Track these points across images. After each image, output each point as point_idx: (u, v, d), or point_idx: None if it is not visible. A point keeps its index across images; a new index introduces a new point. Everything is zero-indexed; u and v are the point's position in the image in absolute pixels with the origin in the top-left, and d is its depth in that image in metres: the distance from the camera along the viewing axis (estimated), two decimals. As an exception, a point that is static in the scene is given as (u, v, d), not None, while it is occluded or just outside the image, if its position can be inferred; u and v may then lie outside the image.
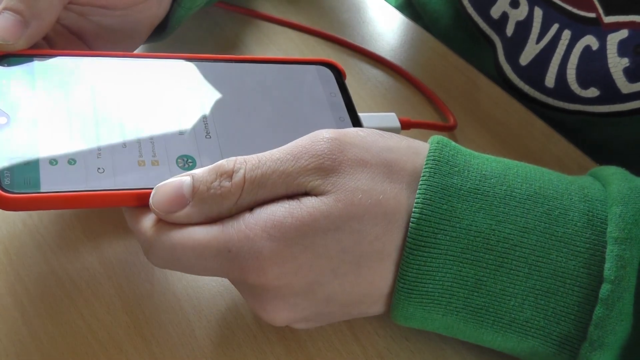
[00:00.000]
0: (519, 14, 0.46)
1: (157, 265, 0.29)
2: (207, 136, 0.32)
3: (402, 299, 0.28)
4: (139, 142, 0.31)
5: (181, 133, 0.32)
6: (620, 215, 0.27)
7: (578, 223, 0.28)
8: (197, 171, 0.28)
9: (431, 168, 0.28)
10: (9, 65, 0.32)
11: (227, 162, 0.28)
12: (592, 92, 0.43)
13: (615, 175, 0.29)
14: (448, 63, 0.49)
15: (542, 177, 0.29)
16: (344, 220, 0.27)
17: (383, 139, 0.29)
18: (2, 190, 0.27)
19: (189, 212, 0.27)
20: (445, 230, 0.27)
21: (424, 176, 0.28)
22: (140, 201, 0.29)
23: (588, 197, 0.29)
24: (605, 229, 0.28)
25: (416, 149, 0.29)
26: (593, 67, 0.42)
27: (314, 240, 0.27)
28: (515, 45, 0.46)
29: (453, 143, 0.30)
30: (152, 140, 0.31)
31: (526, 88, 0.47)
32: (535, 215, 0.28)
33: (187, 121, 0.32)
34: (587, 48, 0.42)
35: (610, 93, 0.42)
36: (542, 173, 0.30)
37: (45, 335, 0.32)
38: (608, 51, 0.41)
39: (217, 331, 0.32)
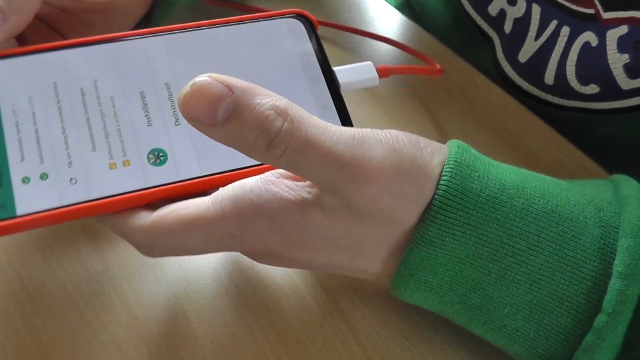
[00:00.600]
0: (516, 11, 0.45)
1: (158, 256, 0.29)
2: (177, 123, 0.31)
3: (401, 282, 0.28)
4: (108, 142, 0.30)
5: (149, 124, 0.30)
6: (627, 249, 0.27)
7: (588, 250, 0.27)
8: (241, 95, 0.25)
9: (452, 170, 0.27)
10: None
11: (274, 117, 0.25)
12: (592, 88, 0.43)
13: (630, 199, 0.29)
14: (447, 63, 0.49)
15: (559, 193, 0.29)
16: (346, 237, 0.28)
17: (420, 157, 0.28)
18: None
19: (215, 134, 0.26)
20: (455, 235, 0.27)
21: (444, 176, 0.27)
22: (118, 207, 0.28)
23: (603, 222, 0.28)
24: (614, 260, 0.27)
25: (439, 166, 0.28)
26: (592, 64, 0.42)
27: (314, 242, 0.28)
28: (514, 42, 0.46)
29: (472, 149, 0.29)
30: (121, 137, 0.30)
31: (525, 85, 0.46)
32: (548, 235, 0.27)
33: (154, 108, 0.31)
34: (587, 44, 0.42)
35: (610, 89, 0.42)
36: (560, 189, 0.29)
37: (45, 335, 0.32)
38: (608, 47, 0.41)
39: (217, 331, 0.32)
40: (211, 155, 0.30)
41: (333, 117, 0.32)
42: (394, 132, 0.28)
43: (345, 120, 0.32)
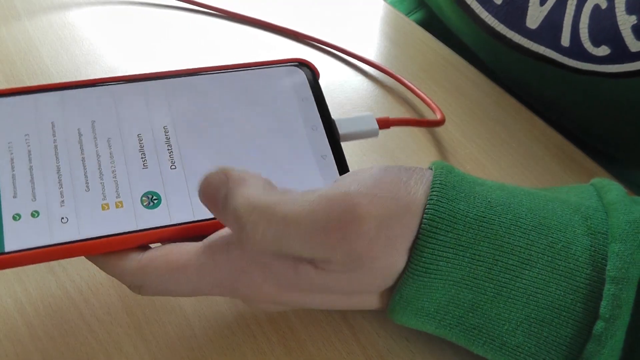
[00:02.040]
0: None
1: (148, 295, 0.29)
2: (172, 167, 0.31)
3: (397, 310, 0.28)
4: (102, 183, 0.30)
5: (145, 166, 0.31)
6: (617, 254, 0.27)
7: (580, 258, 0.27)
8: (231, 184, 0.27)
9: (438, 192, 0.27)
10: None
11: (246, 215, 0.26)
12: (603, 50, 0.42)
13: (616, 205, 0.29)
14: (447, 63, 0.49)
15: (545, 205, 0.29)
16: (342, 287, 0.28)
17: (404, 193, 0.28)
18: None
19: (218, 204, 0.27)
20: (448, 258, 0.27)
21: (430, 201, 0.27)
22: (108, 248, 0.28)
23: (591, 230, 0.28)
24: (606, 265, 0.27)
25: (424, 193, 0.28)
26: (603, 26, 0.41)
27: (306, 294, 0.28)
28: (513, 11, 0.45)
29: (456, 169, 0.29)
30: (115, 178, 0.30)
31: (542, 49, 0.45)
32: (539, 248, 0.27)
33: (150, 151, 0.31)
34: (597, 7, 0.41)
35: (620, 51, 0.41)
36: (546, 201, 0.29)
37: (45, 335, 0.31)
38: (617, 9, 0.40)
39: (217, 331, 0.32)
40: None
41: (331, 167, 0.32)
42: (375, 175, 0.28)
43: (344, 170, 0.33)
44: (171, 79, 0.33)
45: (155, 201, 0.30)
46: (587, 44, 0.43)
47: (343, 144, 0.34)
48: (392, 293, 0.28)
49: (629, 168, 0.48)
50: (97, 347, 0.31)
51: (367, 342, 0.32)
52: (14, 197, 0.28)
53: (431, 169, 0.29)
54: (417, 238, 0.27)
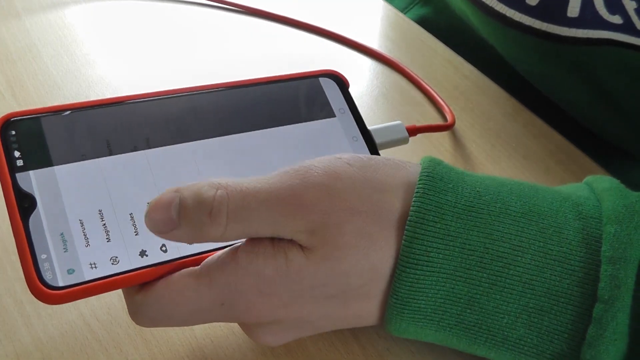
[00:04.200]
0: None
1: (147, 326, 0.29)
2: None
3: (394, 315, 0.28)
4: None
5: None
6: (614, 235, 0.27)
7: (573, 242, 0.27)
8: (185, 191, 0.27)
9: (425, 185, 0.28)
10: (19, 130, 0.29)
11: (207, 189, 0.27)
12: (618, 19, 0.41)
13: (610, 191, 0.29)
14: (448, 63, 0.49)
15: (536, 194, 0.29)
16: (331, 277, 0.27)
17: (374, 174, 0.28)
18: (47, 287, 0.26)
19: (179, 235, 0.27)
20: (439, 249, 0.27)
21: (417, 193, 0.27)
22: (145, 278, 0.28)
23: (582, 215, 0.28)
24: (600, 247, 0.27)
25: (409, 180, 0.28)
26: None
27: (302, 293, 0.28)
28: None
29: (444, 162, 0.29)
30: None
31: (544, 26, 0.44)
32: (530, 234, 0.27)
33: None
34: None
35: (630, 24, 0.41)
36: (536, 190, 0.29)
37: (45, 335, 0.32)
38: None
39: (217, 331, 0.32)
40: None
41: None
42: (336, 155, 0.28)
43: None
44: (208, 93, 0.33)
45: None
46: (603, 11, 0.41)
47: None
48: (387, 299, 0.28)
49: (625, 168, 0.48)
50: (97, 347, 0.31)
51: (367, 342, 0.32)
52: (82, 222, 0.28)
53: (420, 164, 0.29)
54: (403, 236, 0.27)
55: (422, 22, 0.53)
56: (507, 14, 0.45)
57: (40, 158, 0.29)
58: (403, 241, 0.27)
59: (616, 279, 0.26)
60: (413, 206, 0.27)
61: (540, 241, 0.27)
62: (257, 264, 0.27)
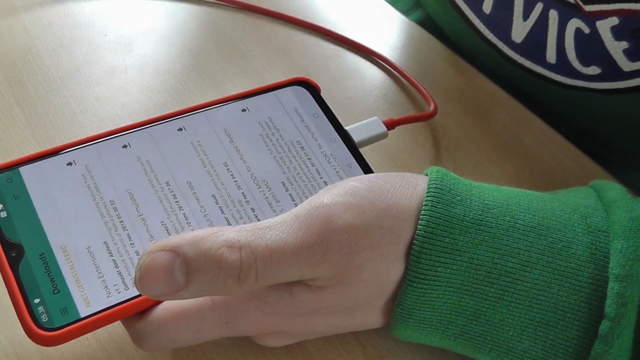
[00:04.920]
0: None
1: (152, 350, 0.28)
2: (181, 210, 0.31)
3: (399, 323, 0.28)
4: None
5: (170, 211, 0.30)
6: (621, 251, 0.27)
7: (581, 257, 0.27)
8: (190, 252, 0.24)
9: (433, 197, 0.27)
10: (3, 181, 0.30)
11: (228, 252, 0.24)
12: (594, 70, 0.42)
13: (617, 202, 0.29)
14: (447, 63, 0.49)
15: (544, 206, 0.29)
16: (339, 302, 0.27)
17: (392, 200, 0.27)
18: (43, 329, 0.26)
19: (188, 295, 0.25)
20: (446, 264, 0.27)
21: (425, 206, 0.27)
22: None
23: (591, 229, 0.28)
24: (608, 263, 0.27)
25: (417, 196, 0.28)
26: (591, 49, 0.41)
27: (307, 313, 0.28)
28: (499, 22, 0.45)
29: (452, 173, 0.29)
30: (152, 239, 0.30)
31: (527, 63, 0.45)
32: (539, 249, 0.27)
33: (166, 199, 0.31)
34: (579, 31, 0.41)
35: (612, 71, 0.41)
36: (544, 202, 0.29)
37: (45, 335, 0.31)
38: (602, 36, 0.40)
39: (217, 331, 0.32)
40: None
41: (359, 174, 0.33)
42: (348, 186, 0.27)
43: (369, 172, 0.33)
44: (180, 119, 0.33)
45: None
46: (576, 63, 0.42)
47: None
48: (393, 306, 0.28)
49: (624, 170, 0.48)
50: (97, 347, 0.31)
51: (367, 342, 0.32)
52: (70, 261, 0.28)
53: (426, 174, 0.29)
54: (412, 244, 0.27)
55: (424, 24, 0.53)
56: (498, 45, 0.46)
57: (23, 205, 0.29)
58: (411, 256, 0.27)
59: (623, 296, 0.26)
60: (421, 220, 0.27)
61: (549, 256, 0.27)
62: (259, 291, 0.27)
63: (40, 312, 0.27)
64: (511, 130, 0.44)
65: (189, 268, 0.24)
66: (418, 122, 0.42)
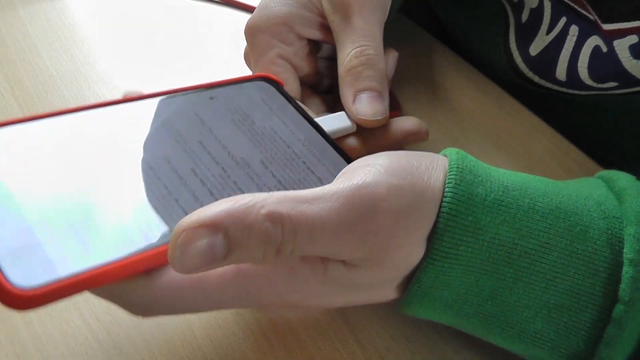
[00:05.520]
0: (532, 2, 0.45)
1: (154, 316, 0.26)
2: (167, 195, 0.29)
3: (413, 301, 0.28)
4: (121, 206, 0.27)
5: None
6: (634, 236, 0.27)
7: (598, 241, 0.27)
8: (231, 227, 0.23)
9: (456, 176, 0.27)
10: None
11: (274, 230, 0.24)
12: (610, 84, 0.42)
13: (627, 190, 0.29)
14: (447, 62, 0.49)
15: (560, 191, 0.29)
16: (368, 280, 0.27)
17: (422, 180, 0.27)
18: (17, 289, 0.23)
19: (217, 266, 0.24)
20: (468, 242, 0.27)
21: (449, 184, 0.27)
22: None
23: (606, 214, 0.28)
24: (622, 248, 0.27)
25: (442, 179, 0.28)
26: (608, 67, 0.41)
27: (334, 290, 0.27)
28: (528, 32, 0.46)
29: (470, 155, 0.29)
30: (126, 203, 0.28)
31: (536, 78, 0.46)
32: (557, 231, 0.27)
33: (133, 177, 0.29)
34: (597, 49, 0.41)
35: (630, 82, 0.41)
36: (560, 187, 0.29)
37: (45, 335, 0.31)
38: (620, 55, 0.40)
39: (217, 331, 0.32)
40: None
41: (336, 159, 0.33)
42: (385, 164, 0.27)
43: (346, 157, 0.33)
44: (149, 101, 0.33)
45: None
46: (589, 82, 0.42)
47: None
48: (409, 283, 0.28)
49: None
50: (97, 347, 0.31)
51: (367, 342, 0.32)
52: (46, 221, 0.26)
53: (445, 155, 0.29)
54: (436, 223, 0.27)
55: (430, 27, 0.53)
56: (514, 55, 0.46)
57: None
58: (434, 234, 0.27)
59: (637, 281, 0.26)
60: (445, 198, 0.27)
61: (567, 239, 0.27)
62: (294, 262, 0.26)
63: (12, 271, 0.23)
64: (511, 130, 0.44)
65: (231, 244, 0.23)
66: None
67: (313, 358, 0.32)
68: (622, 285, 0.27)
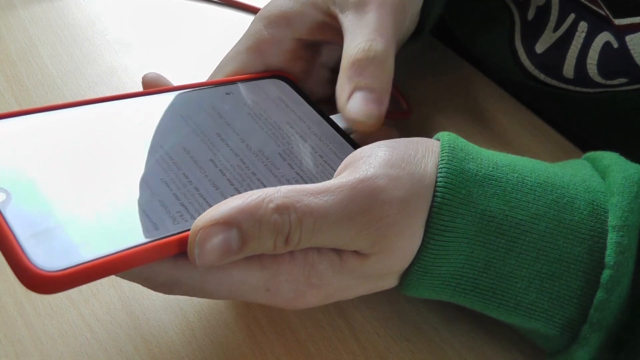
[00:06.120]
0: None
1: (176, 294, 0.28)
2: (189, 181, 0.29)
3: (414, 281, 0.29)
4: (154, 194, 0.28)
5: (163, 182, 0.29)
6: (616, 205, 0.28)
7: (584, 212, 0.29)
8: (243, 222, 0.25)
9: (448, 154, 0.29)
10: None
11: (282, 220, 0.26)
12: (619, 81, 0.42)
13: (611, 167, 0.30)
14: (448, 63, 0.49)
15: (547, 168, 0.30)
16: (381, 270, 0.29)
17: (419, 167, 0.28)
18: (41, 270, 0.23)
19: (234, 258, 0.26)
20: (463, 214, 0.28)
21: (442, 161, 0.28)
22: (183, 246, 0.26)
23: (591, 189, 0.29)
24: (607, 218, 0.29)
25: (436, 163, 0.29)
26: (618, 63, 0.42)
27: (351, 283, 0.29)
28: (534, 30, 0.46)
29: (461, 137, 0.31)
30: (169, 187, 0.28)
31: (542, 76, 0.46)
32: (545, 202, 0.29)
33: (153, 168, 0.29)
34: (608, 44, 0.41)
35: (638, 77, 0.41)
36: (546, 165, 0.31)
37: (45, 335, 0.31)
38: (632, 50, 0.40)
39: (217, 331, 0.32)
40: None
41: (350, 152, 0.33)
42: (385, 156, 0.28)
43: None
44: (163, 95, 0.33)
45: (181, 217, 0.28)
46: (597, 78, 0.42)
47: None
48: (410, 264, 0.29)
49: None
50: (97, 347, 0.31)
51: (367, 342, 0.32)
52: (69, 205, 0.26)
53: (437, 139, 0.30)
54: (433, 200, 0.28)
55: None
56: (518, 52, 0.46)
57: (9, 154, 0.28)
58: (433, 208, 0.28)
59: (620, 245, 0.28)
60: (440, 173, 0.28)
61: (555, 210, 0.29)
62: (313, 257, 0.28)
63: (36, 252, 0.23)
64: (511, 130, 0.44)
65: (244, 237, 0.25)
66: (391, 119, 0.42)
67: (313, 358, 0.32)
68: (608, 251, 0.28)
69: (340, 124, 0.35)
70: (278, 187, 0.27)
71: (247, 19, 0.51)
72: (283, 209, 0.26)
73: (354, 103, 0.33)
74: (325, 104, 0.38)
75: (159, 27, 0.50)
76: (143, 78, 0.34)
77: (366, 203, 0.27)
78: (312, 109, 0.35)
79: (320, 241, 0.27)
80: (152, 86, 0.34)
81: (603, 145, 0.44)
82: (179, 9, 0.52)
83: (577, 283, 0.28)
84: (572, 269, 0.28)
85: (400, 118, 0.43)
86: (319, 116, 0.35)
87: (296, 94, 0.36)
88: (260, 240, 0.26)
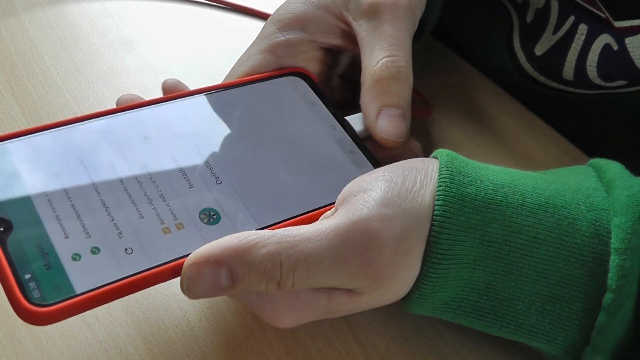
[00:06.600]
0: (538, 2, 0.45)
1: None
2: (218, 182, 0.30)
3: (414, 305, 0.29)
4: (154, 209, 0.29)
5: (191, 186, 0.30)
6: (619, 226, 0.28)
7: (586, 233, 0.28)
8: (233, 264, 0.26)
9: (446, 179, 0.28)
10: None
11: (271, 265, 0.26)
12: (619, 83, 0.42)
13: (615, 182, 0.30)
14: (448, 63, 0.49)
15: (549, 186, 0.30)
16: (370, 304, 0.29)
17: (415, 200, 0.28)
18: (35, 305, 0.25)
19: (227, 294, 0.27)
20: (462, 241, 0.28)
21: (440, 187, 0.28)
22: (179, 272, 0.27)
23: (594, 207, 0.29)
24: (609, 239, 0.28)
25: (433, 190, 0.29)
26: (618, 65, 0.42)
27: (334, 315, 0.29)
28: (533, 33, 0.46)
29: (460, 155, 0.30)
30: (166, 201, 0.29)
31: (542, 78, 0.46)
32: (546, 226, 0.28)
33: (190, 171, 0.31)
34: (608, 47, 0.41)
35: (638, 80, 0.42)
36: (549, 182, 0.30)
37: (45, 335, 0.31)
38: (631, 53, 0.40)
39: (217, 331, 0.32)
40: (262, 207, 0.30)
41: (362, 160, 0.34)
42: (381, 195, 0.28)
43: (373, 160, 0.34)
44: (182, 101, 0.34)
45: (214, 217, 0.29)
46: (597, 80, 0.42)
47: None
48: (410, 292, 0.29)
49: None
50: (97, 347, 0.31)
51: (367, 342, 0.32)
52: (66, 237, 0.27)
53: (435, 157, 0.30)
54: (431, 229, 0.28)
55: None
56: (517, 54, 0.46)
57: (10, 180, 0.28)
58: (431, 237, 0.28)
59: (623, 269, 0.27)
60: (437, 201, 0.28)
61: (556, 233, 0.28)
62: (300, 295, 0.28)
63: (31, 287, 0.25)
64: (511, 130, 0.44)
65: (234, 277, 0.26)
66: (417, 118, 0.42)
67: (313, 358, 0.32)
68: (610, 274, 0.27)
69: (356, 127, 0.35)
70: (274, 231, 0.27)
71: (247, 21, 0.51)
72: (274, 257, 0.26)
73: (384, 124, 0.33)
74: None
75: (159, 27, 0.50)
76: (163, 84, 0.35)
77: (361, 245, 0.27)
78: (327, 110, 0.35)
79: (315, 284, 0.27)
80: (172, 91, 0.35)
81: (602, 146, 0.44)
82: (179, 9, 0.52)
83: (579, 305, 0.28)
84: (574, 291, 0.28)
85: (423, 116, 0.43)
86: (334, 119, 0.35)
87: (313, 93, 0.36)
88: (250, 281, 0.26)
